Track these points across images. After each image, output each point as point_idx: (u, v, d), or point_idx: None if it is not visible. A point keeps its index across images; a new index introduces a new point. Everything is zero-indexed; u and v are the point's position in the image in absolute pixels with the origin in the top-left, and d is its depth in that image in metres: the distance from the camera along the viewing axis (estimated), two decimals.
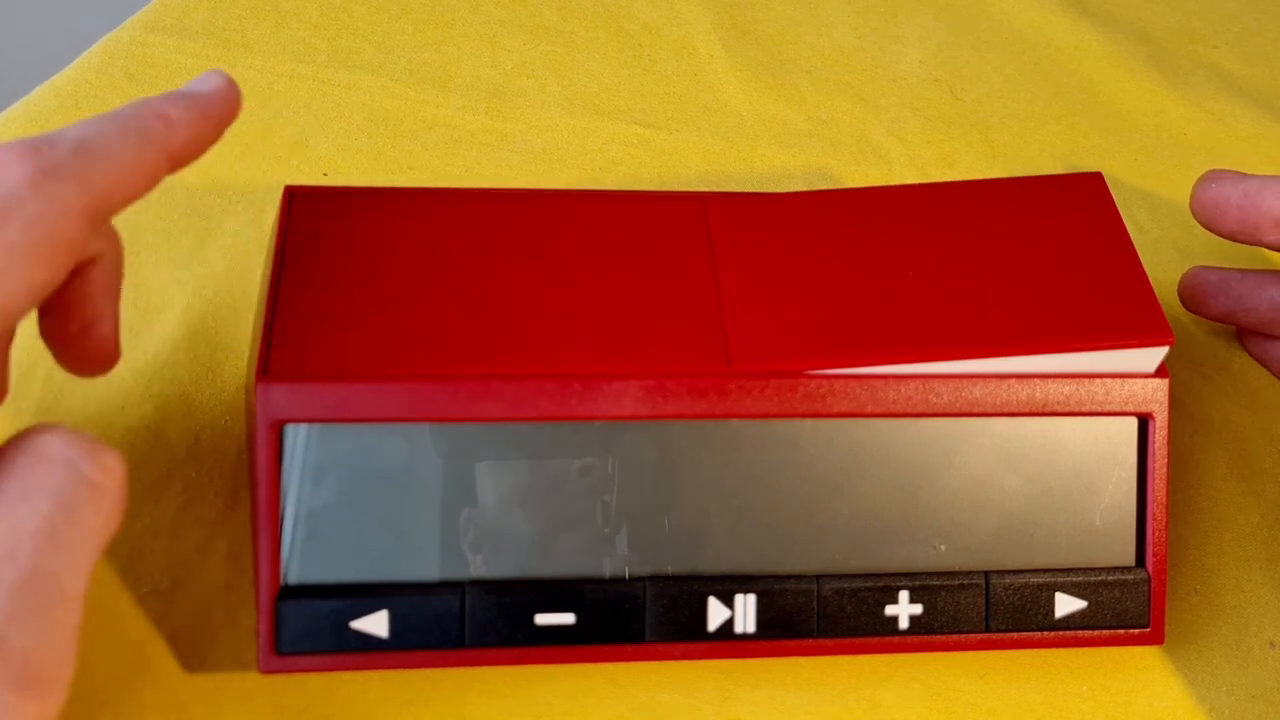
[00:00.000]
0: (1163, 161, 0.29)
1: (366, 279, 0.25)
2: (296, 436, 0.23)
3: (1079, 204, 0.27)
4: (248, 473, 0.23)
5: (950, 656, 0.26)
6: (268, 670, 0.23)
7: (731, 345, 0.24)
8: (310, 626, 0.23)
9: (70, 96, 0.35)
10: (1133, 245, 0.26)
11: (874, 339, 0.24)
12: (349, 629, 0.23)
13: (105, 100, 0.35)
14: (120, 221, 0.32)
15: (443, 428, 0.23)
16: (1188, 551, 0.29)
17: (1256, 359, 0.32)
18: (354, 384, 0.23)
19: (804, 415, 0.24)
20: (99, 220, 0.20)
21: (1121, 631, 0.25)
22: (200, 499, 0.27)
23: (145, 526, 0.26)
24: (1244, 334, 0.32)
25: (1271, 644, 0.27)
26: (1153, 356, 0.25)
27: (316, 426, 0.23)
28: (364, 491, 0.23)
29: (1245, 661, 0.27)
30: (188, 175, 0.33)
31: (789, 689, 0.26)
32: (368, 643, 0.23)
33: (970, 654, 0.26)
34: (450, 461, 0.23)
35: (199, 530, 0.27)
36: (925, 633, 0.25)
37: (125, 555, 0.26)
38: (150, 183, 0.21)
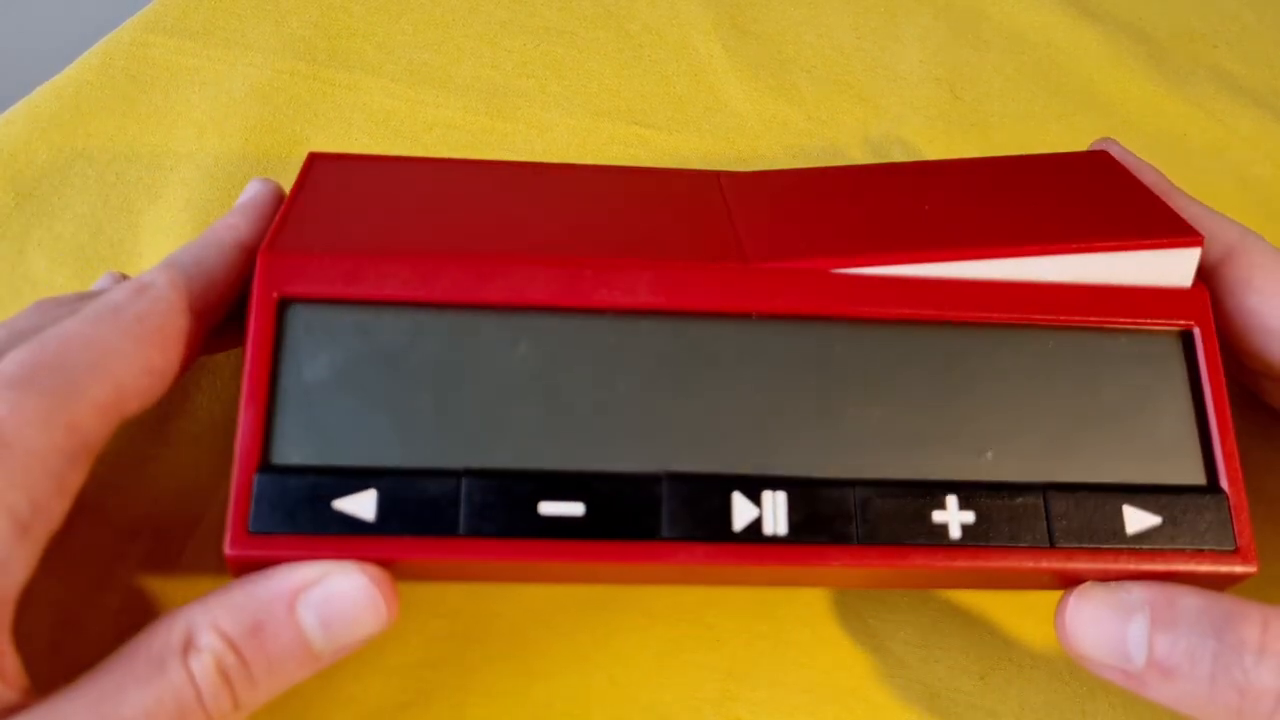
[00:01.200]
0: (1162, 162, 0.29)
1: (385, 190, 0.25)
2: (296, 313, 0.22)
3: (1091, 166, 0.27)
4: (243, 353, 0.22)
5: (951, 658, 0.26)
6: (236, 553, 0.21)
7: (748, 246, 0.24)
8: (289, 504, 0.21)
9: (71, 98, 0.35)
10: (1147, 187, 0.26)
11: (896, 240, 0.24)
12: (331, 509, 0.21)
13: (106, 101, 0.35)
14: (119, 218, 0.32)
15: (448, 311, 0.22)
16: None
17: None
18: (359, 258, 0.22)
19: (825, 315, 0.23)
20: (203, 316, 0.23)
21: (1210, 555, 0.23)
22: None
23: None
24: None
25: None
26: (1186, 266, 0.25)
27: (318, 303, 0.22)
28: (362, 374, 0.22)
29: None
30: (187, 173, 0.34)
31: (790, 690, 0.26)
32: (351, 525, 0.21)
33: (972, 655, 0.26)
34: (455, 348, 0.22)
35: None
36: (981, 544, 0.22)
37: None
38: (241, 275, 0.24)
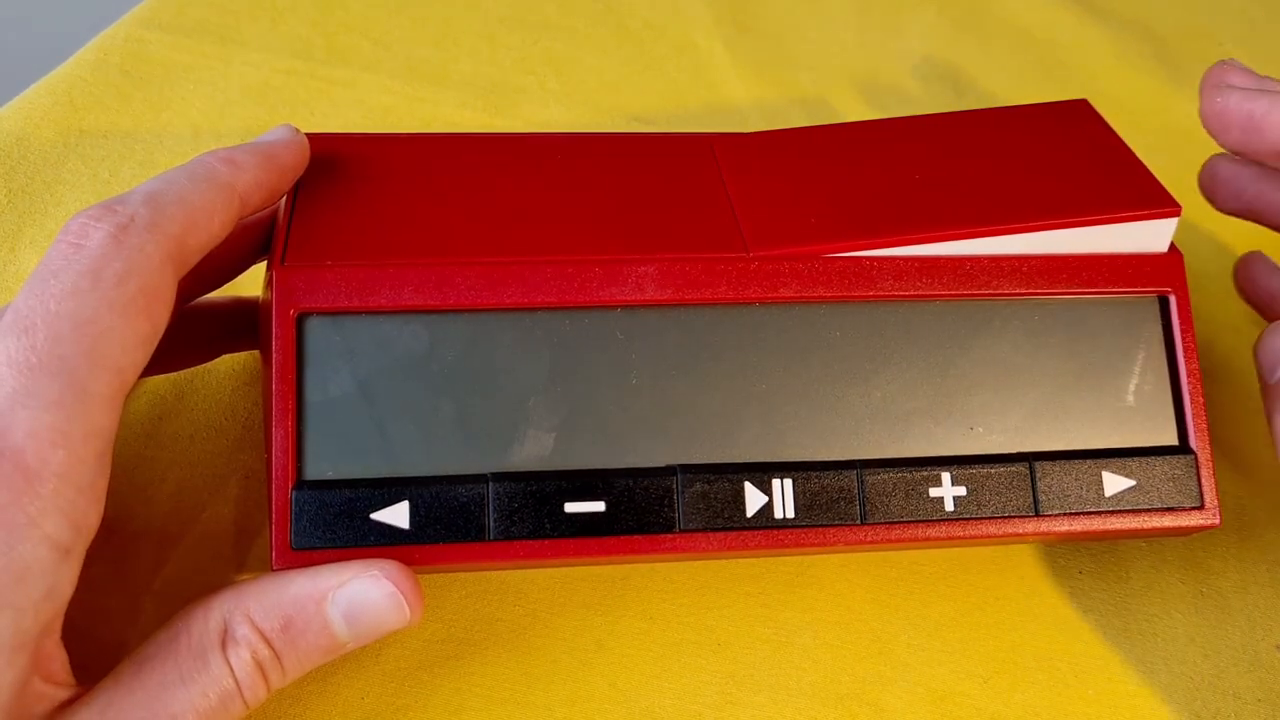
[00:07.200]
0: (1168, 159, 0.29)
1: (385, 182, 0.25)
2: (315, 327, 0.22)
3: (1071, 120, 0.28)
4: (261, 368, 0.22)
5: (954, 661, 0.26)
6: (282, 566, 0.22)
7: (748, 235, 0.25)
8: (328, 519, 0.22)
9: (65, 94, 0.35)
10: (1126, 145, 0.27)
11: (888, 223, 0.25)
12: (369, 521, 0.22)
13: (101, 98, 0.35)
14: None
15: (463, 316, 0.23)
16: (1193, 554, 0.28)
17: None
18: (373, 269, 0.23)
19: (823, 298, 0.24)
20: (182, 266, 0.21)
21: (1178, 511, 0.25)
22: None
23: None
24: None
25: (1278, 647, 0.27)
26: (1163, 233, 0.25)
27: (335, 316, 0.23)
28: (383, 384, 0.23)
29: (1252, 665, 0.27)
30: None
31: (791, 694, 0.25)
32: (388, 535, 0.22)
33: (975, 658, 0.26)
34: (472, 352, 0.23)
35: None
36: (972, 516, 0.24)
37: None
38: (224, 224, 0.22)
